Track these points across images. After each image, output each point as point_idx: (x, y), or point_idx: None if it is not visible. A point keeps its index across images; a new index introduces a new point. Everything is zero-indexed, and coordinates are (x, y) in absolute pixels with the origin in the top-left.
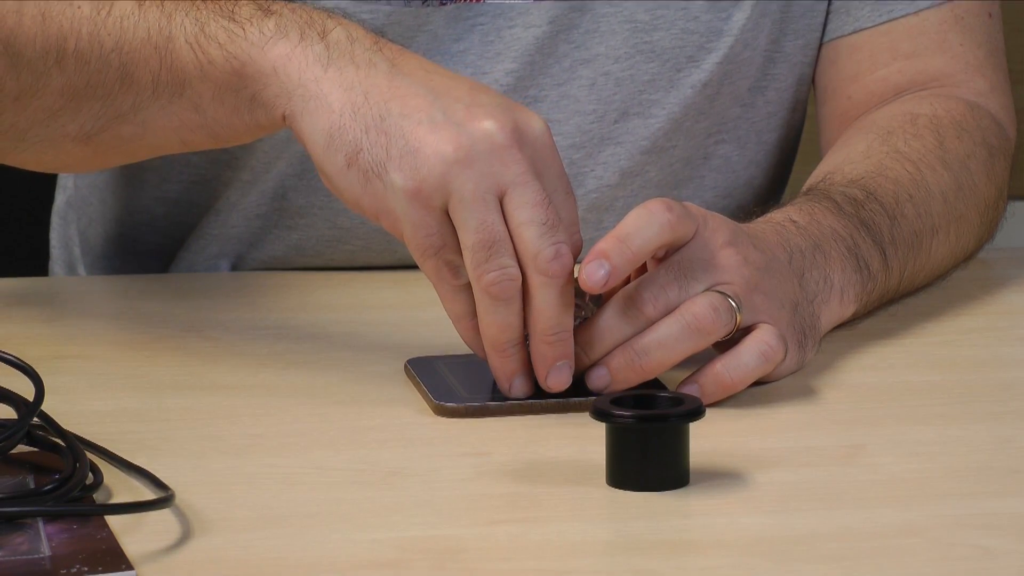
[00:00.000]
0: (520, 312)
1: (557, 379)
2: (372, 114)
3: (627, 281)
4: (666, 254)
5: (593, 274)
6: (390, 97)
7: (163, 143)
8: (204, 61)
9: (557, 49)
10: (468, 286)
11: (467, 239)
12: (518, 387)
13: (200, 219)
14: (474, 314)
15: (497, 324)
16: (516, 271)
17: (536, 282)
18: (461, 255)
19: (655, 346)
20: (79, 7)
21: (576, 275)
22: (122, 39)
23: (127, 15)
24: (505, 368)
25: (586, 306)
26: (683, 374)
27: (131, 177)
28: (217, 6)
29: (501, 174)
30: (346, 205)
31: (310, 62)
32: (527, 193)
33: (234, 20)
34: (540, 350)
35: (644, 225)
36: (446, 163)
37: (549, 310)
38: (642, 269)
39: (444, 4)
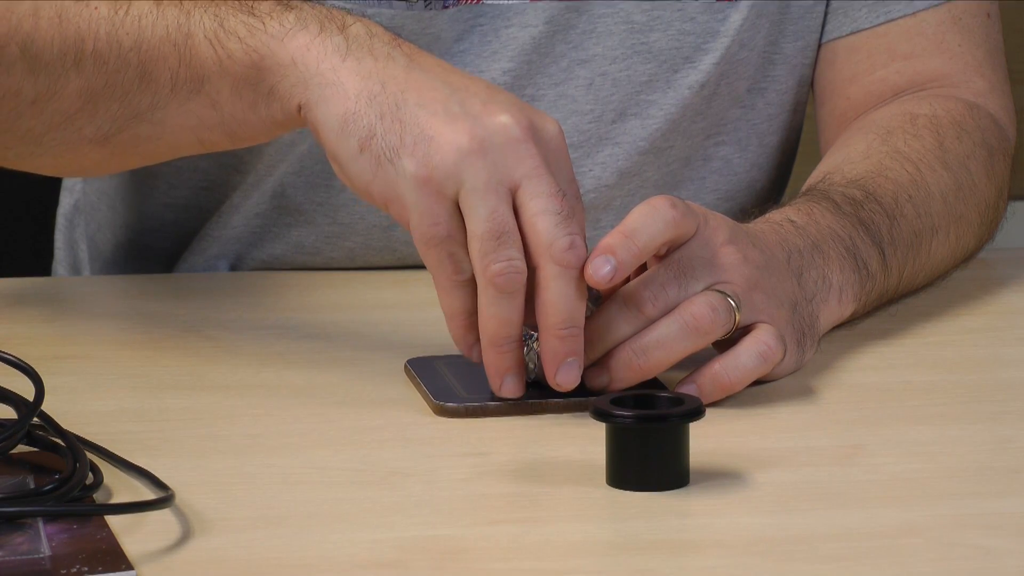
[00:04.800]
0: (522, 308)
1: (567, 376)
2: (388, 102)
3: (627, 279)
4: (667, 251)
5: (599, 269)
6: (407, 87)
7: (180, 142)
8: (223, 56)
9: (554, 49)
10: (467, 283)
11: (476, 228)
12: (509, 386)
13: (205, 223)
14: (469, 312)
15: (498, 318)
16: (523, 264)
17: (549, 273)
18: (466, 249)
19: (654, 346)
20: (96, 7)
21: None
22: (141, 38)
23: (145, 14)
24: (499, 364)
25: (586, 306)
26: (683, 374)
27: (141, 184)
28: (236, 3)
29: (515, 167)
30: (355, 193)
31: (328, 52)
32: (541, 184)
33: (253, 15)
34: (551, 345)
35: (649, 221)
36: (460, 152)
37: (562, 302)
38: (641, 267)
39: (447, 7)
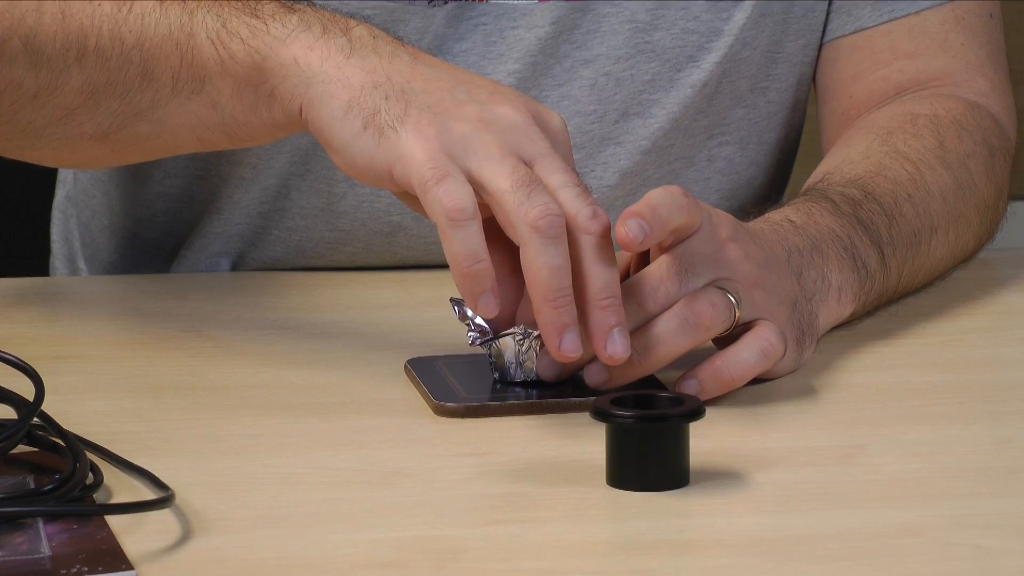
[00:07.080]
0: (568, 256)
1: (616, 347)
2: (394, 89)
3: (627, 276)
4: (670, 244)
5: (632, 229)
6: (413, 78)
7: (180, 141)
8: (225, 56)
9: (559, 49)
10: (472, 218)
11: (503, 183)
12: (568, 343)
13: (201, 215)
14: (479, 257)
15: (548, 267)
16: (560, 209)
17: (578, 244)
18: (469, 186)
19: (654, 341)
20: (99, 5)
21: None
22: (143, 36)
23: (148, 12)
24: (555, 321)
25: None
26: (683, 372)
27: (136, 171)
28: (240, 4)
29: (526, 146)
30: (356, 177)
31: (332, 52)
32: (556, 161)
33: (257, 17)
34: (596, 317)
35: (668, 200)
36: (468, 124)
37: (596, 270)
38: (642, 263)
39: (446, 2)
